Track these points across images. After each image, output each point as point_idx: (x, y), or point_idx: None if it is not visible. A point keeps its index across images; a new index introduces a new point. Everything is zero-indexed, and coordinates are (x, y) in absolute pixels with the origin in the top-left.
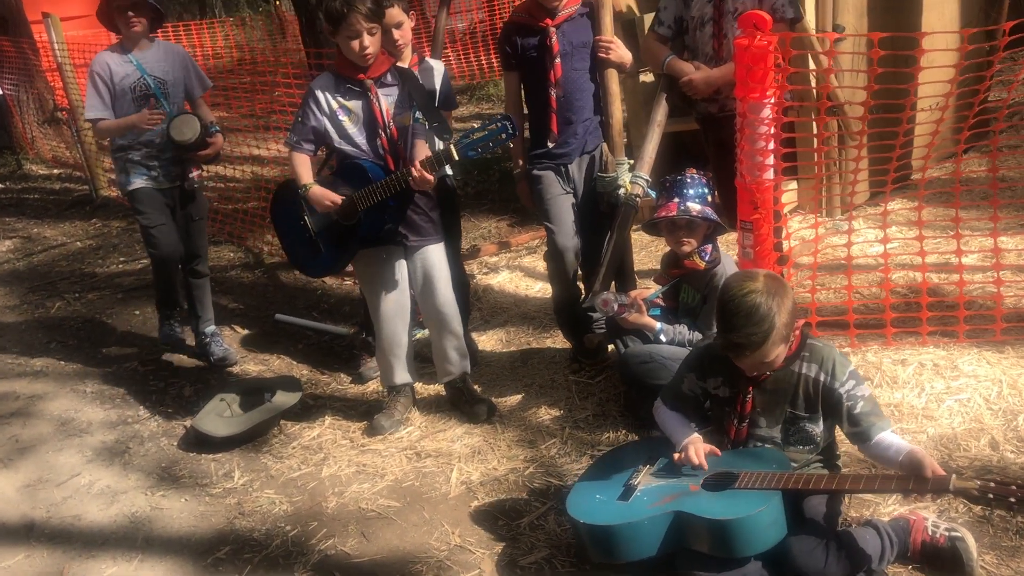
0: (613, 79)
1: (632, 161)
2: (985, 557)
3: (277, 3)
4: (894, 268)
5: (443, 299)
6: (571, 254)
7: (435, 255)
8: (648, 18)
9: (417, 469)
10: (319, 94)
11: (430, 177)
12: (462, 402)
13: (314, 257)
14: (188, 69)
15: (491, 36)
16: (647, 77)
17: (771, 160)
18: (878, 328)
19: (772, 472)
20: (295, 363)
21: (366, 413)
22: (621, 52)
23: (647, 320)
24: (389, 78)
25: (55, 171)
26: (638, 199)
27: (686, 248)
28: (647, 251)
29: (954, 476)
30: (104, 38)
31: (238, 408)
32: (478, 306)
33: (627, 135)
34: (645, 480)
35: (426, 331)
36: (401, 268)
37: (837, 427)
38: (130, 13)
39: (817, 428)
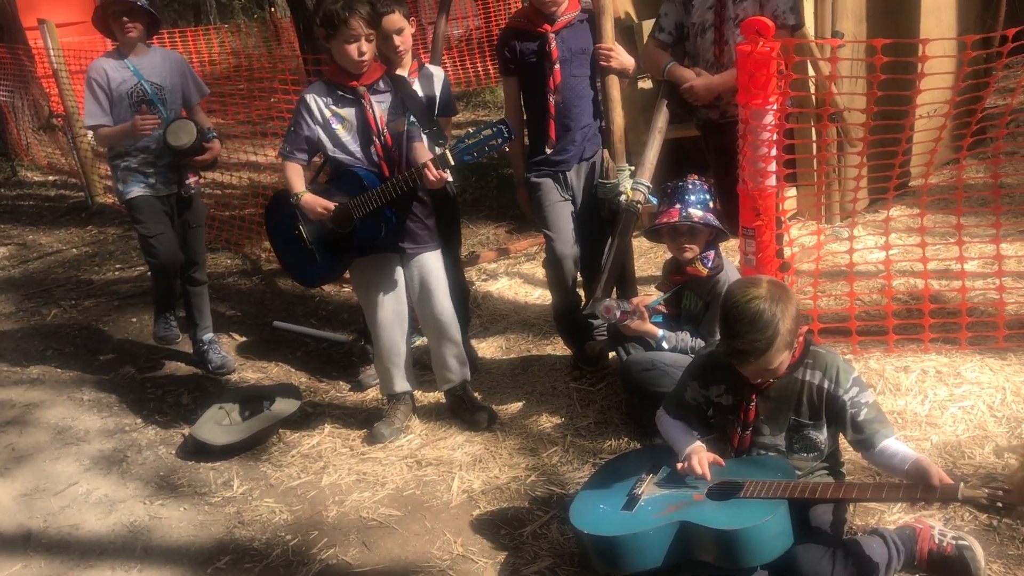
0: (614, 85)
1: (633, 168)
2: (992, 566)
3: (272, 10)
4: (895, 275)
5: (441, 307)
6: (570, 261)
7: (432, 262)
8: (646, 24)
9: (418, 477)
10: (311, 103)
11: (445, 175)
12: (462, 410)
13: (310, 266)
14: (185, 75)
15: (487, 43)
16: (645, 84)
17: (773, 166)
18: (880, 335)
19: (778, 481)
20: (293, 371)
21: (366, 421)
22: (623, 59)
23: (649, 327)
24: (382, 85)
25: (50, 178)
26: (639, 205)
27: (688, 254)
28: (646, 257)
29: (962, 484)
30: (100, 44)
31: (237, 416)
32: (477, 313)
33: (625, 142)
34: (649, 489)
35: (425, 338)
36: (398, 276)
37: (841, 434)
38: (125, 19)
39: (821, 435)
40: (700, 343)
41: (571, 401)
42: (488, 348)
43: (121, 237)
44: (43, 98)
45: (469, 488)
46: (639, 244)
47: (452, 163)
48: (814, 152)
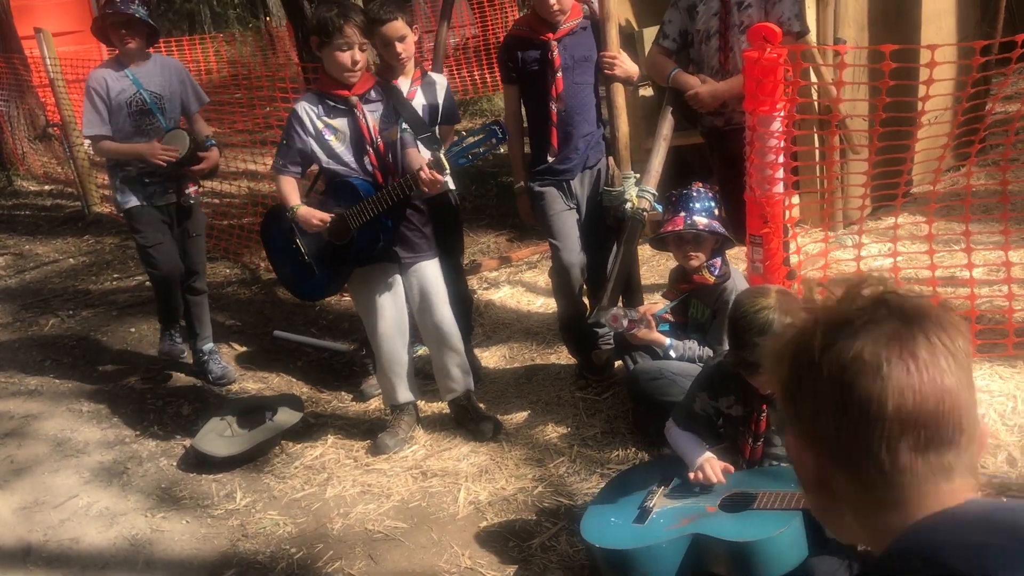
0: (619, 93)
1: (639, 175)
2: None
3: (267, 19)
4: (901, 282)
5: (441, 316)
6: (577, 270)
7: (430, 271)
8: (647, 32)
9: (423, 489)
10: (303, 115)
11: (440, 177)
12: (467, 420)
13: (309, 280)
14: (185, 84)
15: (483, 51)
16: (646, 91)
17: (781, 173)
18: None
19: (792, 492)
20: (295, 380)
21: (369, 431)
22: (627, 66)
23: (657, 336)
24: (373, 94)
25: (46, 187)
26: (645, 213)
27: (694, 262)
28: (648, 265)
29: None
30: (96, 53)
31: (238, 427)
32: (480, 322)
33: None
34: (660, 502)
35: (426, 348)
36: (397, 285)
37: None
38: (123, 31)
39: None
40: (708, 352)
41: (577, 411)
42: (491, 357)
43: (118, 247)
44: (39, 107)
45: (476, 499)
46: (642, 252)
47: (447, 167)
48: (817, 159)
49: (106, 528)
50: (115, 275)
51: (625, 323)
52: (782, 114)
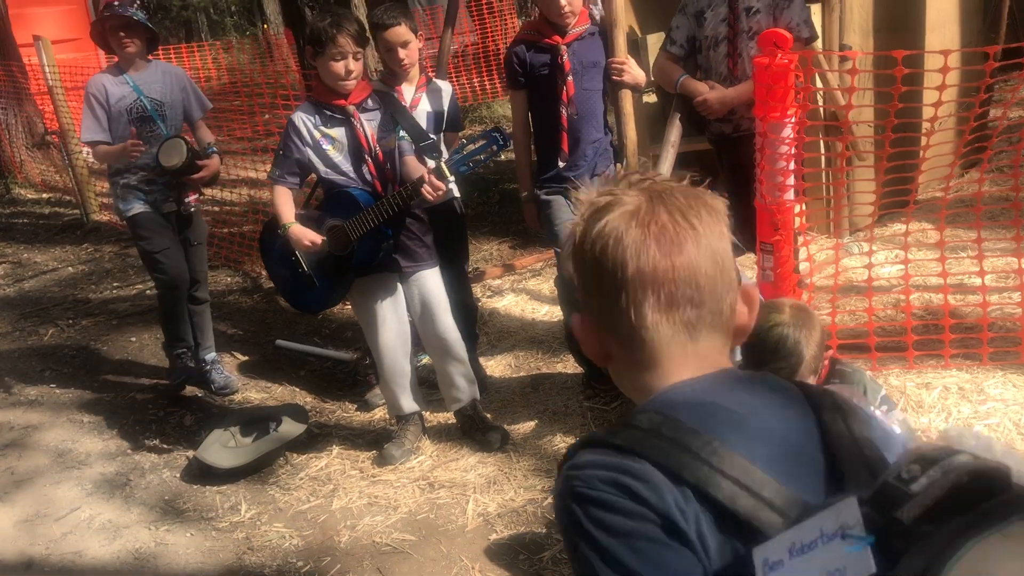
0: (627, 100)
1: None
2: None
3: (265, 27)
4: (911, 289)
5: (443, 326)
6: None
7: (431, 280)
8: (651, 38)
9: (431, 500)
10: (300, 125)
11: (443, 186)
12: (473, 430)
13: (309, 292)
14: (187, 91)
15: (483, 59)
16: (650, 98)
17: (791, 180)
18: (899, 351)
19: None
20: (298, 390)
21: (374, 442)
22: (635, 72)
23: None
24: (370, 103)
25: (44, 195)
26: None
27: None
28: None
29: None
30: (95, 61)
31: (242, 438)
32: (484, 330)
33: None
34: None
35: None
36: (398, 295)
37: None
38: (122, 34)
39: None
40: None
41: (585, 420)
42: (496, 366)
43: (118, 255)
44: (37, 115)
45: (484, 511)
46: None
47: (448, 175)
48: (823, 165)
49: (109, 541)
50: (115, 284)
51: None
52: (793, 120)
